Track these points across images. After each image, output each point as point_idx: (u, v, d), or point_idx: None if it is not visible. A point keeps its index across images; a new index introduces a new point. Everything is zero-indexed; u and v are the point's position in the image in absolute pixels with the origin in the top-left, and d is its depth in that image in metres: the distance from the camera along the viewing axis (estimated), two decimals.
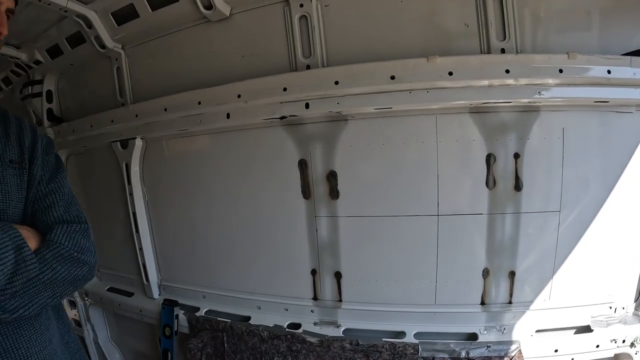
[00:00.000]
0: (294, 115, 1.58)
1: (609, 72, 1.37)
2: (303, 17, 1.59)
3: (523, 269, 1.54)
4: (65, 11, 1.79)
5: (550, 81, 1.38)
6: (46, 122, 2.29)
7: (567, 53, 1.36)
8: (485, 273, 1.55)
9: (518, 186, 1.48)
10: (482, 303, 1.57)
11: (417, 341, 1.55)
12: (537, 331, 1.55)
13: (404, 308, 1.62)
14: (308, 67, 1.59)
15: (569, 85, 1.38)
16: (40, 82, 2.33)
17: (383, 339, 1.57)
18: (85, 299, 2.25)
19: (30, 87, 2.35)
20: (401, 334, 1.60)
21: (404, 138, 1.54)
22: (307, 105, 1.53)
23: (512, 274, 1.54)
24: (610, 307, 1.56)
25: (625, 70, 1.38)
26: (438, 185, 1.52)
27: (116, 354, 2.33)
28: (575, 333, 1.55)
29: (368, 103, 1.47)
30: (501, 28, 1.44)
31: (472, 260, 1.55)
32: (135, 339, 2.25)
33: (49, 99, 2.34)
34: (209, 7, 1.65)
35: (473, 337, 1.56)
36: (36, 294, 0.87)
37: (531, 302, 1.55)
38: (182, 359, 1.90)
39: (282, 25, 1.63)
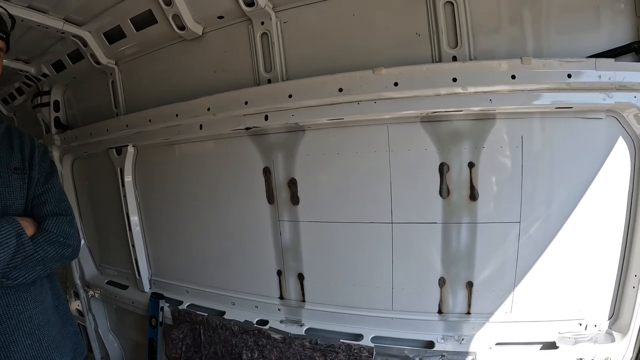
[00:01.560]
0: (256, 127, 1.69)
1: (569, 76, 1.31)
2: (264, 34, 1.71)
3: (481, 280, 1.54)
4: (63, 33, 2.07)
5: (502, 88, 1.35)
6: (54, 130, 2.63)
7: (521, 58, 1.33)
8: (442, 282, 1.57)
9: (473, 196, 1.48)
10: (440, 312, 1.59)
11: (372, 345, 1.62)
12: (498, 344, 1.53)
13: (362, 312, 1.69)
14: (269, 81, 1.71)
15: (523, 91, 1.34)
16: (48, 93, 2.68)
17: (340, 340, 1.66)
18: (87, 290, 2.57)
19: (39, 97, 2.71)
20: (359, 337, 1.68)
21: (357, 147, 1.59)
22: (266, 118, 1.65)
23: (470, 284, 1.55)
24: (580, 324, 1.50)
25: (589, 74, 1.31)
26: (391, 193, 1.57)
27: (114, 343, 2.67)
28: (540, 349, 1.52)
29: (320, 114, 1.56)
30: (453, 35, 1.44)
31: (427, 268, 1.58)
32: (130, 329, 2.55)
33: (56, 108, 2.70)
34: (182, 27, 1.82)
35: (430, 345, 1.59)
36: (32, 268, 1.19)
37: (491, 313, 1.55)
38: (166, 348, 2.13)
39: (247, 42, 1.76)
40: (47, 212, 1.30)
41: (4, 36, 1.27)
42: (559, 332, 1.51)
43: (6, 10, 1.31)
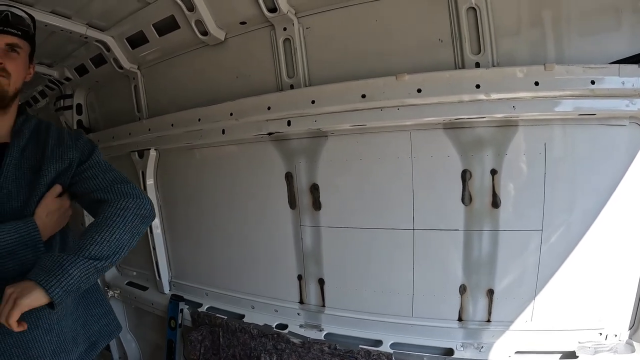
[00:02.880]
0: (279, 132, 1.75)
1: (592, 82, 1.31)
2: (287, 40, 1.75)
3: (502, 288, 1.55)
4: (86, 37, 2.15)
5: (525, 95, 1.37)
6: None
7: (544, 64, 1.34)
8: (462, 289, 1.59)
9: (495, 203, 1.49)
10: (460, 319, 1.61)
11: (391, 351, 1.65)
12: (517, 352, 1.54)
13: (382, 317, 1.71)
14: (292, 87, 1.75)
15: (546, 98, 1.36)
16: (71, 96, 2.77)
17: (360, 346, 1.69)
18: (107, 290, 2.65)
19: (62, 101, 2.80)
20: (378, 343, 1.69)
21: (380, 153, 1.63)
22: (289, 123, 1.69)
23: (491, 292, 1.56)
24: (601, 334, 1.50)
25: (612, 80, 1.31)
26: (413, 199, 1.59)
27: (133, 343, 2.73)
28: (560, 358, 1.53)
29: (342, 120, 1.59)
30: (476, 41, 1.46)
31: (448, 275, 1.60)
32: (149, 330, 2.61)
33: (79, 111, 2.79)
34: (204, 33, 1.88)
35: (449, 352, 1.60)
36: (127, 241, 1.19)
37: (511, 322, 1.55)
38: (184, 349, 2.19)
39: (270, 48, 1.81)
40: (97, 185, 1.30)
41: (19, 33, 1.31)
42: (579, 342, 1.50)
43: (24, 11, 1.37)
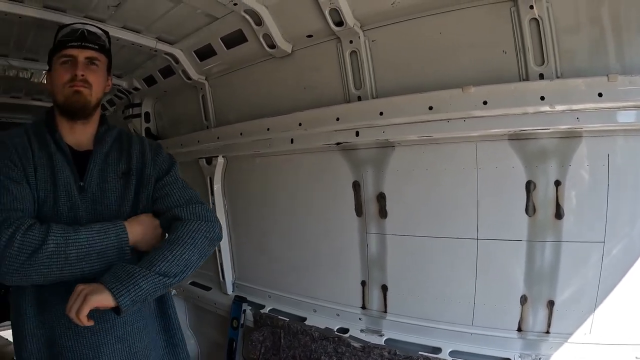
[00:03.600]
0: (347, 142, 2.17)
1: None
2: (353, 53, 2.14)
3: (563, 299, 1.81)
4: (155, 51, 2.71)
5: (589, 106, 1.61)
6: None
7: (607, 75, 1.57)
8: (523, 300, 1.87)
9: (559, 214, 1.77)
10: (519, 329, 1.89)
11: (450, 359, 1.97)
12: None
13: (442, 325, 2.04)
14: (359, 98, 2.15)
15: (609, 109, 1.60)
16: (139, 105, 3.44)
17: (419, 352, 2.03)
18: (171, 289, 3.22)
19: (130, 109, 3.45)
20: (437, 350, 2.01)
21: (445, 164, 1.98)
22: (357, 134, 2.09)
23: (551, 304, 1.83)
24: None
25: None
26: (478, 210, 1.92)
27: (192, 340, 3.28)
28: None
29: (410, 132, 1.95)
30: (539, 52, 1.73)
31: (510, 285, 1.90)
32: (208, 328, 3.15)
33: (147, 119, 3.46)
34: (272, 46, 2.32)
35: None
36: (195, 262, 1.50)
37: (570, 334, 1.79)
38: (245, 348, 2.65)
39: (336, 61, 2.21)
40: (173, 203, 1.62)
41: (97, 47, 1.66)
42: (636, 357, 1.69)
43: (99, 27, 1.73)
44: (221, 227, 1.66)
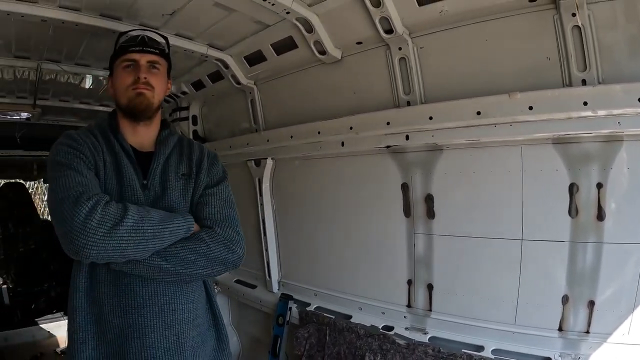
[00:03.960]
0: (397, 145, 2.48)
1: None
2: (402, 59, 2.39)
3: (603, 300, 1.97)
4: (206, 57, 3.05)
5: (629, 111, 1.79)
6: None
7: None
8: (565, 299, 2.05)
9: (600, 216, 1.95)
10: (560, 329, 2.07)
11: (493, 357, 2.19)
12: None
13: (485, 324, 2.25)
14: (409, 103, 2.43)
15: None
16: (187, 108, 3.87)
17: (462, 350, 2.26)
18: (216, 287, 3.57)
19: (178, 112, 3.89)
20: (480, 348, 2.23)
21: (492, 167, 2.20)
22: (407, 137, 2.39)
23: (592, 304, 2.00)
24: None
25: None
26: (522, 211, 2.14)
27: (234, 337, 3.66)
28: None
29: (458, 136, 2.20)
30: (581, 59, 1.91)
31: (552, 285, 2.08)
32: (251, 325, 3.54)
33: (194, 122, 3.91)
34: (323, 52, 2.62)
35: None
36: (194, 261, 1.70)
37: (609, 334, 1.96)
38: (289, 345, 2.99)
39: (385, 67, 2.48)
40: (210, 215, 1.84)
41: (157, 52, 1.91)
42: None
43: (158, 33, 2.01)
44: (242, 255, 1.86)
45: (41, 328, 5.09)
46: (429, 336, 2.47)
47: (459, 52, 2.26)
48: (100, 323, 1.71)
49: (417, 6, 2.16)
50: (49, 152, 1.79)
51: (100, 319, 1.71)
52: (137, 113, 1.87)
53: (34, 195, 9.92)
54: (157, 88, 1.90)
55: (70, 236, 1.52)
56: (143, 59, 1.87)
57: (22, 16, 2.32)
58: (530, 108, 1.97)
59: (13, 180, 6.43)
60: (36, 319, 5.21)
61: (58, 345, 4.88)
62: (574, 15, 1.86)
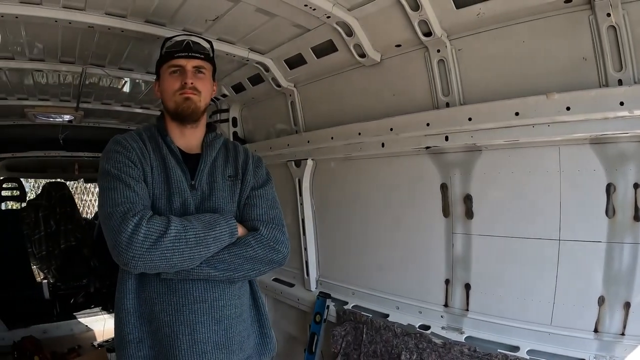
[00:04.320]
0: (436, 146, 2.72)
1: None
2: (441, 61, 2.59)
3: (639, 301, 2.08)
4: (247, 60, 3.40)
5: None
6: None
7: None
8: (601, 301, 2.17)
9: (637, 217, 2.06)
10: (595, 330, 2.19)
11: (528, 357, 2.31)
12: None
13: (521, 324, 2.42)
14: (447, 105, 2.61)
15: None
16: (227, 110, 4.28)
17: (498, 350, 2.40)
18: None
19: (218, 115, 4.32)
20: (515, 349, 2.38)
21: (530, 167, 2.37)
22: (446, 138, 2.59)
23: (627, 305, 2.11)
24: None
25: None
26: (560, 212, 2.27)
27: None
28: None
29: (497, 136, 2.37)
30: (617, 59, 2.03)
31: (589, 285, 2.20)
32: (287, 323, 3.90)
33: (234, 124, 4.34)
34: (362, 55, 2.86)
35: None
36: (241, 265, 1.91)
37: None
38: (325, 343, 3.29)
39: (424, 69, 2.69)
40: (258, 216, 2.04)
41: (202, 56, 2.09)
42: None
43: (202, 38, 2.19)
44: (287, 254, 2.08)
45: (79, 322, 5.82)
46: (465, 336, 2.69)
47: (497, 53, 2.43)
48: (153, 322, 1.92)
49: (455, 9, 2.35)
50: (100, 159, 2.00)
51: (152, 318, 1.92)
52: (185, 117, 2.07)
53: (75, 194, 10.68)
54: (204, 92, 2.09)
55: (118, 249, 1.74)
56: (189, 64, 2.06)
57: (70, 23, 2.64)
58: (568, 108, 2.10)
59: (54, 180, 7.11)
60: (75, 313, 5.97)
61: (95, 339, 5.56)
62: (608, 15, 1.99)
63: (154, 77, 2.27)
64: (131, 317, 1.93)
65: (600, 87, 2.10)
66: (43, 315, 5.81)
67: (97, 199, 1.95)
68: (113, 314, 2.05)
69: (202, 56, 2.12)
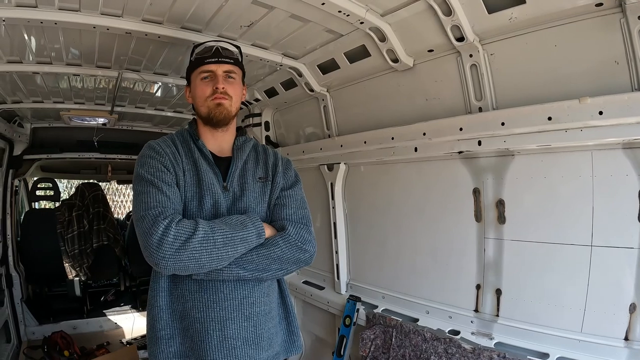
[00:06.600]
0: (469, 151, 2.84)
1: None
2: (473, 66, 2.71)
3: None
4: (280, 65, 3.59)
5: None
6: None
7: None
8: (632, 308, 2.21)
9: None
10: (626, 339, 2.24)
11: None
12: None
13: (552, 331, 2.50)
14: (480, 109, 2.74)
15: None
16: (259, 115, 4.53)
17: (527, 357, 2.50)
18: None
19: (251, 119, 4.57)
20: (545, 355, 2.46)
21: (562, 172, 2.45)
22: (479, 143, 2.72)
23: None
24: None
25: None
26: (593, 217, 2.33)
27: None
28: None
29: (530, 141, 2.46)
30: None
31: (620, 292, 2.25)
32: (316, 325, 4.08)
33: (267, 128, 4.57)
34: (395, 60, 3.02)
35: None
36: (269, 265, 2.04)
37: None
38: (354, 346, 3.44)
39: (457, 73, 2.82)
40: (287, 216, 2.17)
41: (232, 62, 2.20)
42: None
43: (231, 43, 2.33)
44: (314, 253, 2.22)
45: (109, 319, 6.24)
46: (494, 341, 2.80)
47: (529, 58, 2.52)
48: (184, 319, 2.07)
49: (487, 14, 2.45)
50: (135, 164, 2.15)
51: (184, 315, 2.07)
52: (217, 122, 2.20)
53: (107, 195, 11.17)
54: (235, 96, 2.22)
55: (149, 250, 1.87)
56: (219, 69, 2.18)
57: (108, 29, 2.84)
58: (600, 113, 2.17)
59: (88, 181, 7.52)
60: (104, 311, 6.39)
61: (124, 336, 5.88)
62: (639, 18, 2.05)
63: (186, 82, 2.40)
64: (164, 314, 2.09)
65: (633, 90, 2.15)
66: (73, 311, 6.29)
67: (132, 202, 2.14)
68: (142, 312, 2.27)
69: (232, 61, 2.24)
